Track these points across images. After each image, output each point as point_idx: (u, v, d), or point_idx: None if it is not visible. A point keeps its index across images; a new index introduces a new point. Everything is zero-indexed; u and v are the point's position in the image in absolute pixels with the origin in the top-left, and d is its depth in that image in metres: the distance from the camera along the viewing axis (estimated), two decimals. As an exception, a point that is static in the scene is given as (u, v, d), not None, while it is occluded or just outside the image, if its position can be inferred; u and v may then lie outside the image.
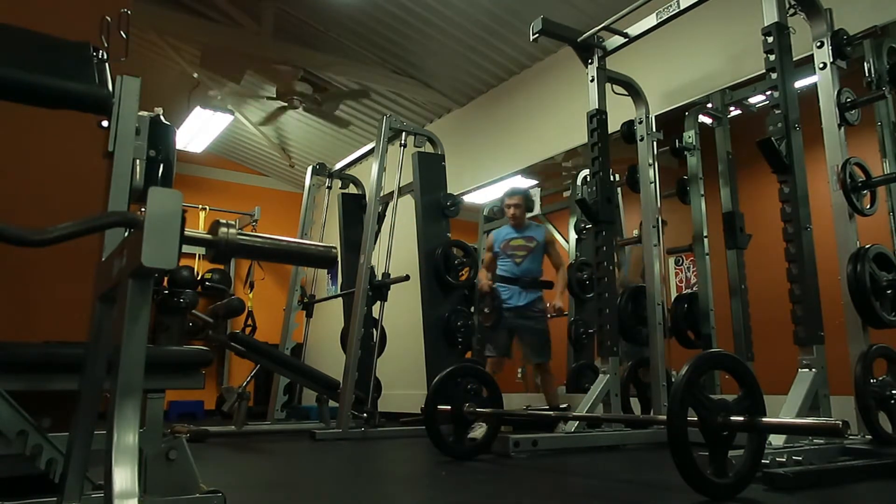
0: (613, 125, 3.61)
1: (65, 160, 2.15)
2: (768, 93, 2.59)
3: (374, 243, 4.58)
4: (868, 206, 2.54)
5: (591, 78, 3.54)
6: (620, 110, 3.69)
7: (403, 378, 4.34)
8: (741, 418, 1.78)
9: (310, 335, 5.73)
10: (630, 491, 2.16)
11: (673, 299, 4.00)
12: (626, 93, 3.71)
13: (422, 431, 3.67)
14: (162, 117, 1.78)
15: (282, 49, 5.29)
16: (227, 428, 4.26)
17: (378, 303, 4.38)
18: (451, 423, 2.86)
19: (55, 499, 1.00)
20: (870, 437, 2.26)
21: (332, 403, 4.55)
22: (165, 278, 6.16)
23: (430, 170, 4.59)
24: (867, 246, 2.41)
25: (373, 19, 4.94)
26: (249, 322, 7.02)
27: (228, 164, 8.18)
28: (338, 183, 5.77)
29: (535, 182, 5.44)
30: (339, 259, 5.18)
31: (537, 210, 4.97)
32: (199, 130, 6.57)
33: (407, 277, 4.28)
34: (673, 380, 3.17)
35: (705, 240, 3.87)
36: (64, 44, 1.66)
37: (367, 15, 4.89)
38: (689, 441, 1.70)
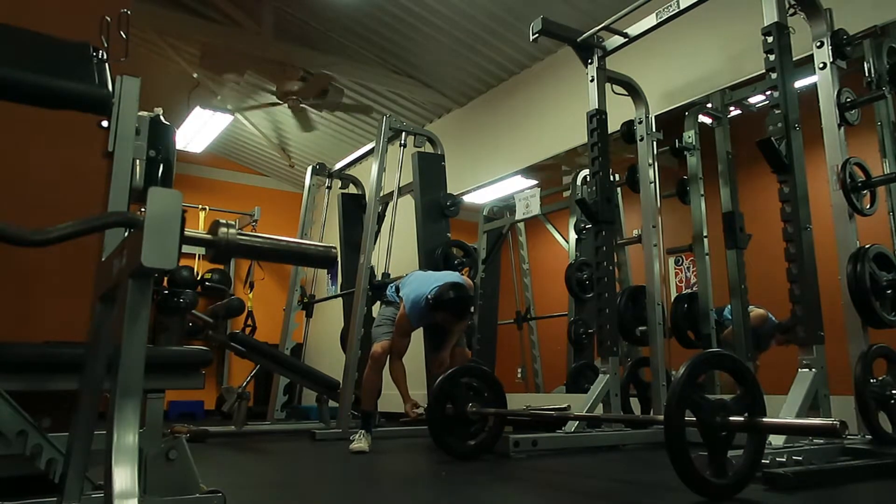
0: (613, 125, 3.61)
1: (65, 160, 2.15)
2: (768, 93, 2.59)
3: (374, 243, 4.58)
4: (868, 206, 2.54)
5: (590, 78, 3.53)
6: (620, 110, 3.69)
7: (403, 378, 4.33)
8: (740, 418, 1.78)
9: (310, 335, 5.73)
10: (630, 491, 2.16)
11: (673, 299, 4.01)
12: (625, 93, 3.70)
13: (421, 431, 3.68)
14: (162, 117, 1.78)
15: (282, 49, 5.29)
16: (227, 428, 4.26)
17: (378, 303, 4.38)
18: (454, 423, 2.86)
19: (55, 499, 1.00)
20: (870, 437, 2.26)
21: (332, 403, 4.55)
22: (165, 278, 6.17)
23: (430, 170, 4.58)
24: (867, 246, 2.41)
25: (373, 19, 4.93)
26: (249, 322, 7.02)
27: (228, 164, 8.17)
28: (338, 183, 5.77)
29: (534, 182, 5.44)
30: (339, 259, 5.18)
31: (537, 210, 4.96)
32: (199, 130, 6.56)
33: (407, 277, 4.27)
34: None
35: (705, 240, 3.87)
36: (64, 44, 1.66)
37: (367, 15, 4.89)
38: (689, 441, 1.70)
